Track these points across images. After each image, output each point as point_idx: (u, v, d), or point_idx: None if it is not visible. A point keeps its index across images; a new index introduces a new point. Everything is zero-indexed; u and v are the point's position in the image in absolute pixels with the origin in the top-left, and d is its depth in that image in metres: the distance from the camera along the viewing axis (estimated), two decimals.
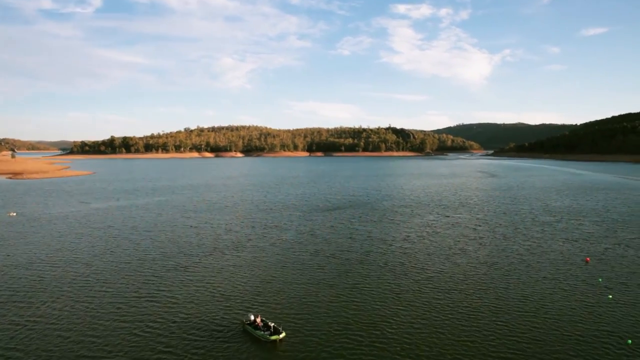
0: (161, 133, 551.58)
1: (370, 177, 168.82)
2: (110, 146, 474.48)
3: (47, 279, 38.01)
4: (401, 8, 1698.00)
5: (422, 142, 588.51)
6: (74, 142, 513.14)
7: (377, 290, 34.93)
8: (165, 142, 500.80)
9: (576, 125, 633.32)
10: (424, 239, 53.47)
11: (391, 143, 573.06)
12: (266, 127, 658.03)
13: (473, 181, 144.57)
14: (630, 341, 26.01)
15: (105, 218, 69.36)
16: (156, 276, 38.70)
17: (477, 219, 67.86)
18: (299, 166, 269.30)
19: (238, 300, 32.95)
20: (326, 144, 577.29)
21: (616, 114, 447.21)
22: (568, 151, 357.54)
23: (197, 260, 43.80)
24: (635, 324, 28.35)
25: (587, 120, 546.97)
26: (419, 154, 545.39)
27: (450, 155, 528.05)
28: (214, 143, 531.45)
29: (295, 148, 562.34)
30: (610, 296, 33.45)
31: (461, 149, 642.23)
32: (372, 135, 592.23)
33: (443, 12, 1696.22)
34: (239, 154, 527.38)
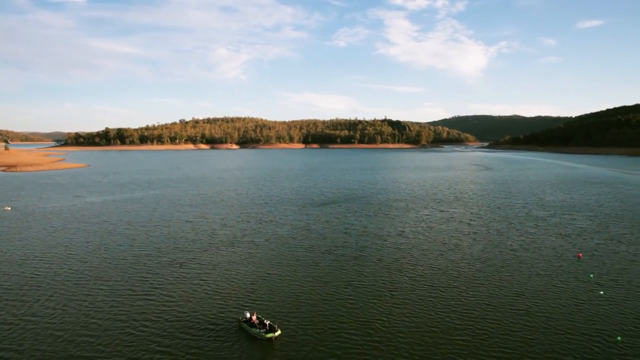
0: (156, 125, 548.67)
1: (366, 170, 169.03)
2: (105, 138, 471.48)
3: (42, 276, 38.05)
4: None
5: (418, 134, 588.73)
6: (68, 133, 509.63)
7: (372, 287, 35.23)
8: (160, 134, 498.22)
9: (571, 117, 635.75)
10: (418, 234, 53.81)
11: (387, 135, 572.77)
12: (262, 119, 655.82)
13: (468, 174, 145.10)
14: (619, 338, 26.44)
15: (100, 213, 69.25)
16: (151, 273, 38.81)
17: (472, 213, 68.29)
18: (295, 158, 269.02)
19: (233, 298, 33.15)
20: (322, 135, 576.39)
21: (611, 106, 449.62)
22: (563, 144, 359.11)
23: (193, 257, 43.93)
24: (625, 321, 28.81)
25: (582, 113, 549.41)
26: (415, 146, 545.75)
27: (446, 147, 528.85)
28: (209, 135, 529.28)
29: (291, 140, 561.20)
30: (602, 292, 33.91)
31: (457, 141, 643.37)
32: (368, 127, 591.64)
33: (439, 3, 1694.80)
34: (235, 146, 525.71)
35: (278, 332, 26.79)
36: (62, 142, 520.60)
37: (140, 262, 42.18)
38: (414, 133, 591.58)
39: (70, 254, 45.15)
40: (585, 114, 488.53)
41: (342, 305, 31.63)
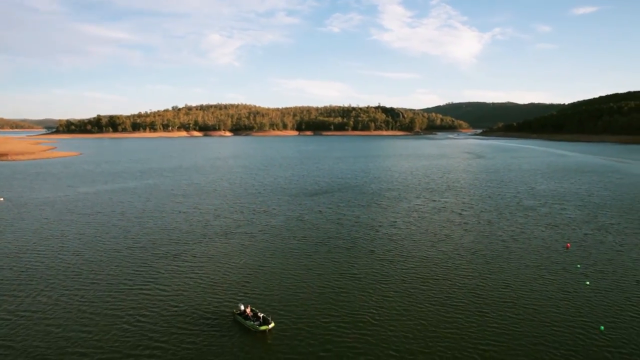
0: (149, 112, 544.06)
1: (359, 158, 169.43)
2: (97, 125, 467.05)
3: (36, 269, 38.26)
4: None
5: (412, 121, 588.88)
6: (59, 120, 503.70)
7: (364, 279, 35.84)
8: (153, 121, 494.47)
9: (564, 105, 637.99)
10: (410, 224, 54.47)
11: (380, 122, 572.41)
12: (255, 106, 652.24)
13: (460, 162, 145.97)
14: (602, 327, 27.27)
15: (93, 203, 69.24)
16: (146, 265, 39.16)
17: (463, 203, 69.05)
18: (288, 146, 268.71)
19: (228, 290, 33.63)
20: (315, 122, 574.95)
21: (604, 94, 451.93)
22: (555, 131, 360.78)
23: (187, 248, 44.30)
24: (608, 311, 29.66)
25: (575, 100, 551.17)
26: (408, 133, 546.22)
27: (439, 134, 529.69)
28: (203, 122, 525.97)
29: (285, 127, 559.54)
30: (588, 283, 34.75)
31: (450, 128, 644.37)
32: (362, 114, 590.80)
33: None
34: (228, 133, 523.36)
35: (272, 325, 27.33)
36: (53, 130, 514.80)
37: (134, 254, 42.49)
38: (407, 120, 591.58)
39: (64, 246, 45.34)
40: (578, 101, 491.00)
41: (334, 297, 32.23)
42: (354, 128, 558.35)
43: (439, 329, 27.26)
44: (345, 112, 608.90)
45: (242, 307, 28.92)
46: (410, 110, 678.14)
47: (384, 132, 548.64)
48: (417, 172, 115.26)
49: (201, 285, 34.62)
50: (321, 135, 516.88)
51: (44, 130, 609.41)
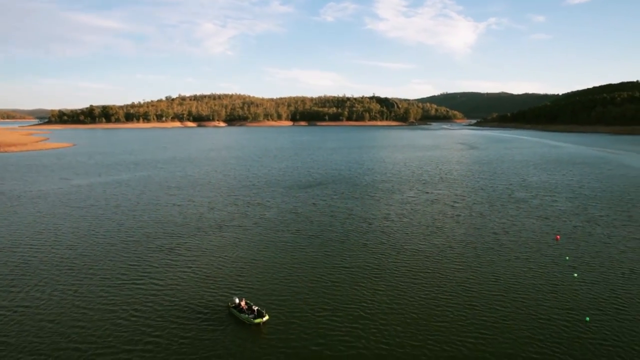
0: (142, 102, 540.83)
1: (353, 149, 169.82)
2: (90, 116, 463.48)
3: (29, 263, 38.43)
4: None
5: (406, 112, 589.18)
6: (52, 110, 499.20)
7: (357, 272, 36.41)
8: (146, 112, 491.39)
9: (558, 95, 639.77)
10: (403, 217, 55.06)
11: (375, 112, 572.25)
12: (249, 96, 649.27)
13: (454, 154, 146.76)
14: (588, 318, 28.03)
15: (87, 196, 69.26)
16: (141, 259, 39.49)
17: (456, 195, 69.73)
18: (283, 137, 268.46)
19: (222, 283, 34.08)
20: (310, 113, 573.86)
21: (597, 84, 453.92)
22: (549, 122, 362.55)
23: (182, 242, 44.64)
24: (594, 302, 30.43)
25: (569, 90, 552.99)
26: (403, 124, 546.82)
27: (434, 125, 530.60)
28: (197, 112, 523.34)
29: (279, 117, 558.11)
30: (576, 274, 35.51)
31: (445, 119, 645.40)
32: (356, 105, 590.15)
33: None
34: (222, 124, 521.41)
35: (266, 318, 27.83)
36: (46, 120, 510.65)
37: (128, 247, 42.78)
38: (402, 110, 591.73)
39: (58, 240, 45.52)
40: (572, 92, 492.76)
41: (327, 289, 32.78)
42: (349, 118, 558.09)
43: (428, 321, 27.89)
44: (340, 102, 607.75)
45: (237, 300, 29.38)
46: (405, 100, 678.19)
47: (379, 123, 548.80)
48: (410, 164, 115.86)
49: (196, 278, 35.04)
50: (316, 125, 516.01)
51: (35, 121, 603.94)
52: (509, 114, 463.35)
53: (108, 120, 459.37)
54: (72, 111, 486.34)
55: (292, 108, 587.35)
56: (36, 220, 53.53)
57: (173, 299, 31.07)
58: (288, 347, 24.99)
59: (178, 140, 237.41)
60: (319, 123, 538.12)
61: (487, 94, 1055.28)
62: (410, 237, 46.03)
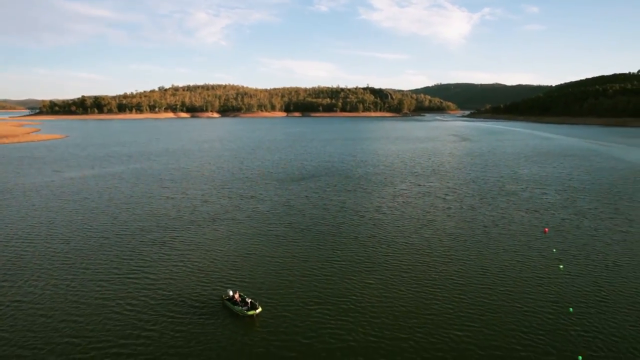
0: (134, 92, 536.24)
1: (347, 140, 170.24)
2: (82, 106, 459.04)
3: (24, 257, 38.67)
4: None
5: (400, 103, 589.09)
6: (43, 101, 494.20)
7: (348, 264, 37.09)
8: (139, 102, 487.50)
9: (551, 86, 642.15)
10: (395, 209, 55.76)
11: (369, 103, 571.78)
12: (243, 87, 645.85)
13: (447, 146, 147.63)
14: (571, 309, 28.93)
15: (80, 189, 69.29)
16: (135, 252, 39.90)
17: (447, 187, 70.53)
18: (276, 128, 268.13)
19: (216, 276, 34.62)
20: (304, 104, 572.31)
21: (590, 75, 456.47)
22: (542, 113, 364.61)
23: (176, 235, 45.05)
24: (578, 293, 31.34)
25: (562, 82, 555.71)
26: (397, 115, 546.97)
27: (427, 116, 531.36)
28: (190, 103, 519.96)
29: (273, 108, 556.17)
30: (561, 266, 36.41)
31: (438, 110, 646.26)
32: (350, 96, 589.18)
33: None
34: (216, 115, 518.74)
35: (259, 310, 28.44)
36: (37, 111, 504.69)
37: (122, 241, 43.14)
38: (396, 101, 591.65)
39: (54, 233, 45.75)
40: (565, 83, 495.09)
41: (319, 282, 33.43)
42: (343, 109, 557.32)
43: (417, 313, 28.64)
44: (334, 93, 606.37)
45: (231, 293, 29.96)
46: (399, 91, 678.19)
47: (373, 114, 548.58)
48: (403, 156, 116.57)
49: (190, 271, 35.54)
50: (310, 116, 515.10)
51: (26, 112, 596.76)
52: (502, 106, 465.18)
53: (100, 111, 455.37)
54: (63, 102, 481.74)
55: (286, 99, 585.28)
56: (29, 214, 53.64)
57: (167, 292, 31.58)
58: (280, 339, 25.64)
59: (171, 131, 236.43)
60: (312, 114, 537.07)
61: (481, 85, 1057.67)
62: (401, 230, 46.75)
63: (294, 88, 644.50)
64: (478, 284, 33.16)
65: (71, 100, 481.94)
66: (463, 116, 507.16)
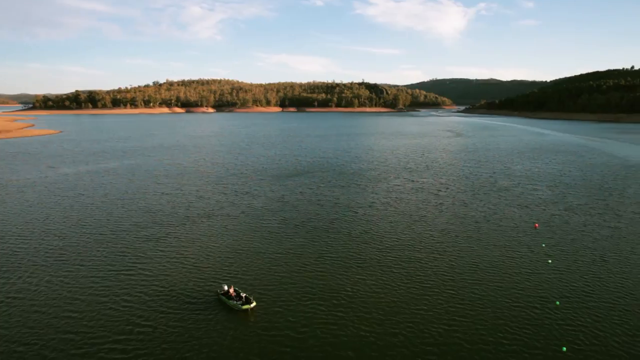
0: (129, 87, 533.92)
1: (342, 136, 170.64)
2: (76, 101, 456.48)
3: (18, 254, 38.91)
4: None
5: (395, 98, 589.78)
6: (36, 95, 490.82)
7: (342, 260, 37.67)
8: (133, 97, 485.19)
9: (546, 82, 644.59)
10: (388, 205, 56.38)
11: (364, 99, 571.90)
12: (238, 81, 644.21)
13: (441, 141, 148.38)
14: (558, 302, 29.69)
15: (75, 185, 69.42)
16: (130, 248, 40.29)
17: (441, 183, 71.23)
18: (271, 123, 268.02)
19: (211, 271, 35.11)
20: (299, 99, 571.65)
21: (584, 71, 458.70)
22: (537, 109, 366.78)
23: (171, 230, 45.45)
24: (564, 287, 32.09)
25: (557, 77, 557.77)
26: (392, 110, 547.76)
27: (423, 111, 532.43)
28: (185, 98, 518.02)
29: (268, 103, 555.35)
30: (550, 261, 37.20)
31: (434, 105, 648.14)
32: (346, 91, 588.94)
33: None
34: (211, 110, 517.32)
35: (253, 304, 29.00)
36: (30, 106, 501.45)
37: (118, 237, 43.50)
38: (391, 97, 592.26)
39: (49, 229, 46.01)
40: (560, 79, 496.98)
41: (313, 277, 34.01)
42: (338, 104, 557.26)
43: (408, 308, 29.28)
44: (329, 88, 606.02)
45: (226, 288, 30.47)
46: (394, 86, 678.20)
47: (368, 109, 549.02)
48: (397, 151, 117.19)
49: (185, 266, 36.00)
50: (305, 111, 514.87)
51: (20, 106, 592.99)
52: (497, 101, 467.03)
53: (94, 106, 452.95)
54: (57, 96, 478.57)
55: (281, 94, 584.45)
56: (23, 210, 53.82)
57: (162, 287, 32.04)
58: (274, 333, 26.20)
59: (166, 126, 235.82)
60: (308, 109, 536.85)
61: (477, 80, 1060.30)
62: (394, 226, 47.38)
63: (289, 83, 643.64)
64: (468, 278, 33.85)
65: (65, 95, 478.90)
66: (458, 111, 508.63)
